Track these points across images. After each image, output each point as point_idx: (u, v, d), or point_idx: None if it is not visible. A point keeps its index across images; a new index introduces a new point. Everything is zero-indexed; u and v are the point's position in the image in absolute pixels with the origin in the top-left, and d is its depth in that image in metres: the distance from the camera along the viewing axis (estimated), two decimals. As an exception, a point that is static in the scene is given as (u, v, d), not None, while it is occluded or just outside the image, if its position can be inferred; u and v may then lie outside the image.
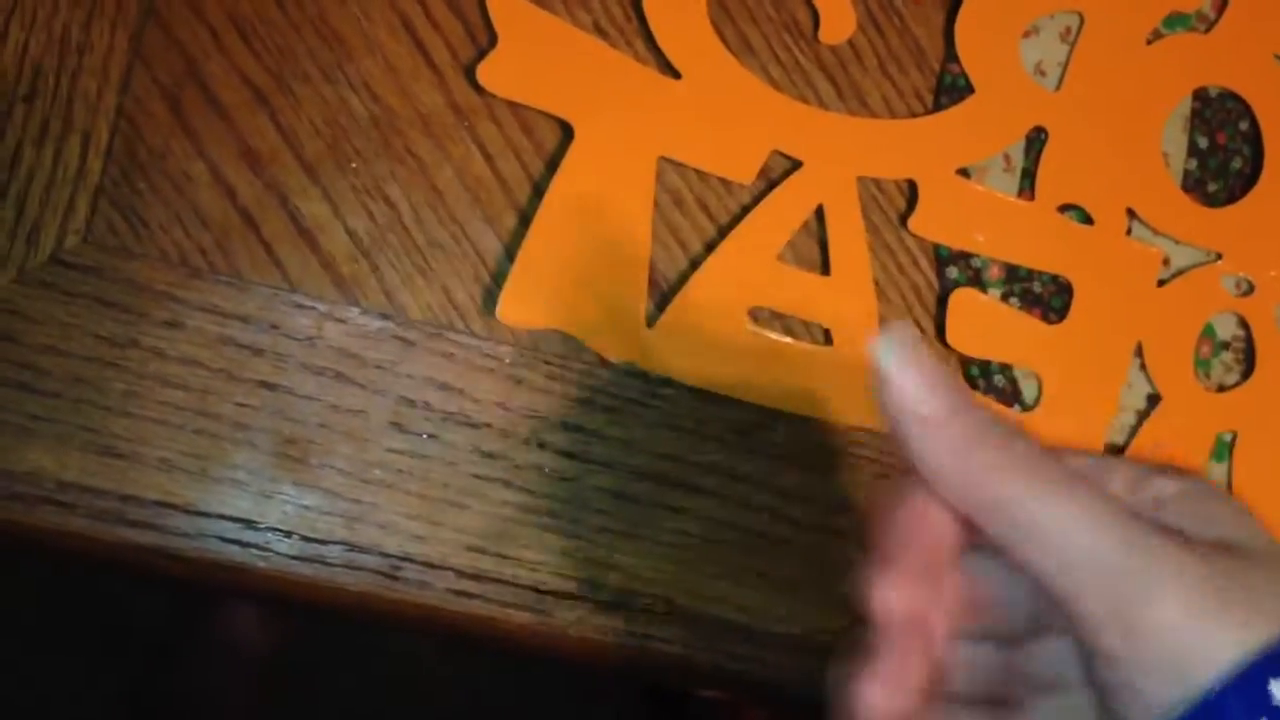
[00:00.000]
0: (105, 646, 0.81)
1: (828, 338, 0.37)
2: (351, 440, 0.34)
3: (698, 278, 0.36)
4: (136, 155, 0.34)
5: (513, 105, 0.36)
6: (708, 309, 0.36)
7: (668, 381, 0.36)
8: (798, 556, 0.36)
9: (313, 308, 0.34)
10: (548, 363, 0.35)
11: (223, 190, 0.35)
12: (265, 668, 0.83)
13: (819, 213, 0.37)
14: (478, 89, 0.36)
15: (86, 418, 0.33)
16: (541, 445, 0.35)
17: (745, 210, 0.37)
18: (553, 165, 0.36)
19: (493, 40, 0.36)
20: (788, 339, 0.37)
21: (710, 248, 0.37)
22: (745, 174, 0.37)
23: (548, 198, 0.35)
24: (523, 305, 0.35)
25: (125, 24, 0.34)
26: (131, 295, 0.34)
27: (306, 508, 0.34)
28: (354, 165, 0.35)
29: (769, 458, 0.36)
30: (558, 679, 0.82)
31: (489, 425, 0.35)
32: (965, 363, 0.38)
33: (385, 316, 0.35)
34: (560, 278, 0.35)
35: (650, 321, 0.36)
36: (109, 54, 0.34)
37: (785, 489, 0.36)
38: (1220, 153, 0.40)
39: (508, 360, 0.35)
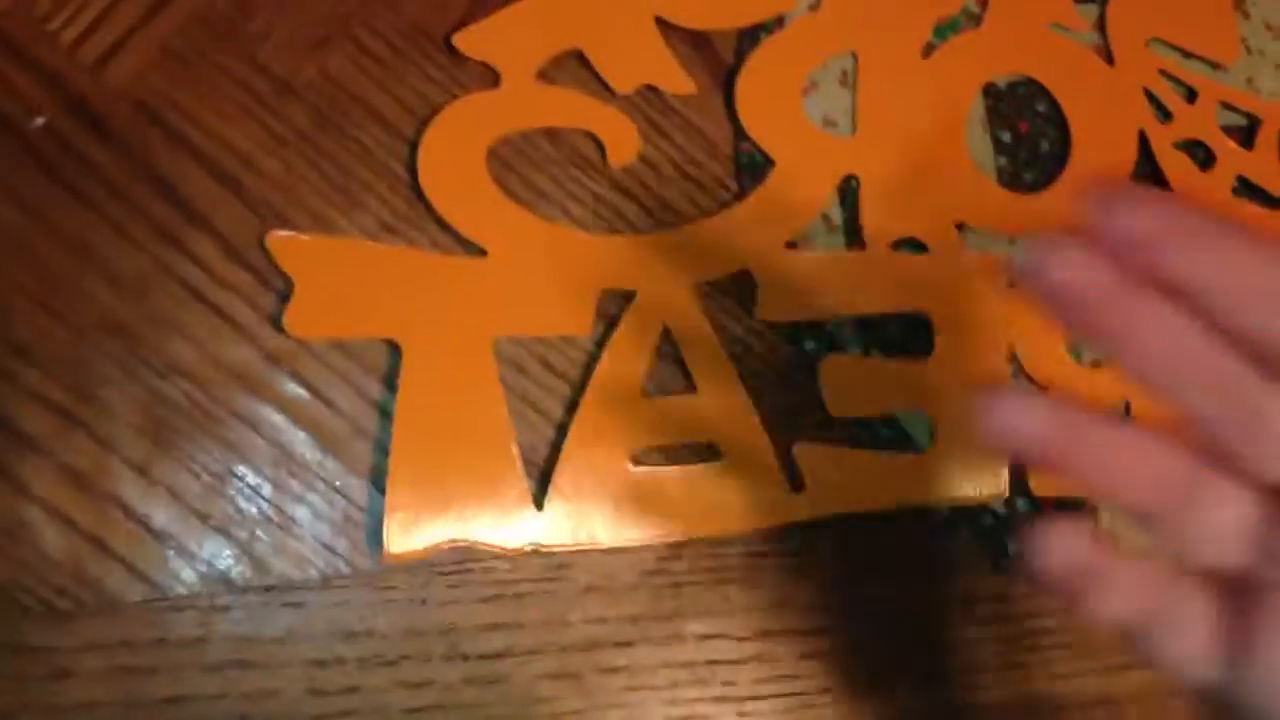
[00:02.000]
0: None
1: (714, 452, 0.36)
2: (275, 725, 0.33)
3: (569, 446, 0.35)
4: (-39, 514, 0.32)
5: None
6: (588, 470, 0.35)
7: (571, 550, 0.35)
8: (745, 669, 0.36)
9: (192, 607, 0.33)
10: (444, 574, 0.34)
11: (61, 523, 0.33)
12: None
13: (667, 334, 0.36)
14: (286, 332, 0.34)
15: (-4, 806, 0.31)
16: (465, 657, 0.34)
17: (592, 356, 0.36)
18: (390, 382, 0.35)
19: (287, 281, 0.34)
20: (674, 469, 0.36)
21: (570, 407, 0.36)
22: (581, 326, 0.36)
23: (397, 419, 0.34)
24: (409, 535, 0.34)
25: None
26: (7, 661, 0.32)
27: (251, 813, 0.33)
28: (186, 450, 0.34)
29: (688, 586, 0.36)
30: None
31: (407, 657, 0.34)
32: (850, 427, 0.37)
33: (268, 589, 0.34)
34: (436, 493, 0.34)
35: (537, 502, 0.35)
36: (-100, 416, 0.33)
37: (709, 611, 0.36)
38: (1026, 141, 0.40)
39: (404, 586, 0.34)
